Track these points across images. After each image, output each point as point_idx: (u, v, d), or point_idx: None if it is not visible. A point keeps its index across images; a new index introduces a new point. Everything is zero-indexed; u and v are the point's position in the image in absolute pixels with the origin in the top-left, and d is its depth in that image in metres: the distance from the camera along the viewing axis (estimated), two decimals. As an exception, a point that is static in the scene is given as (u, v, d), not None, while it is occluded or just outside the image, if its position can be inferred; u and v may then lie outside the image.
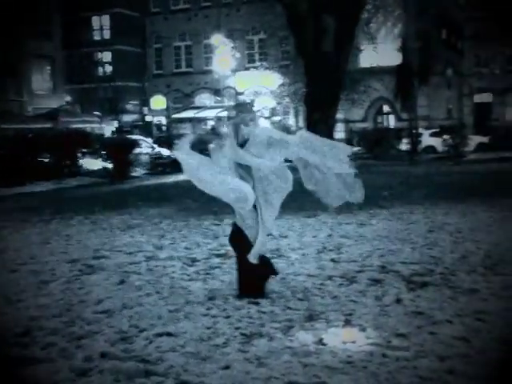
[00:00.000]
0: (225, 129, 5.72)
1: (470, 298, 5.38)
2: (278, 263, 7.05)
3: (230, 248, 6.12)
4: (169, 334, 4.73)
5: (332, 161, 5.58)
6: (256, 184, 5.53)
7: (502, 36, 38.88)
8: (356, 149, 32.58)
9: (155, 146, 29.06)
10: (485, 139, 34.85)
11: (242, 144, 5.53)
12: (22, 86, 39.49)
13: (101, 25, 48.57)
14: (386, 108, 44.35)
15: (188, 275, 6.67)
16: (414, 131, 31.99)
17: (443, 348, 4.21)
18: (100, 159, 24.71)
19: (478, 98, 41.95)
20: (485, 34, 39.07)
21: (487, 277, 6.09)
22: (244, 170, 5.55)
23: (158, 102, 47.22)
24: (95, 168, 24.33)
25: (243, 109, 5.82)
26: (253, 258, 5.46)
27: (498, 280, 5.93)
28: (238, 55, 41.85)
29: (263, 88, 41.13)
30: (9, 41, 36.03)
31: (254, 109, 41.81)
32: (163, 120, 47.33)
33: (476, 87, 41.20)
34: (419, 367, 3.90)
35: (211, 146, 5.76)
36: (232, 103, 39.51)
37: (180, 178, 22.61)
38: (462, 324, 4.70)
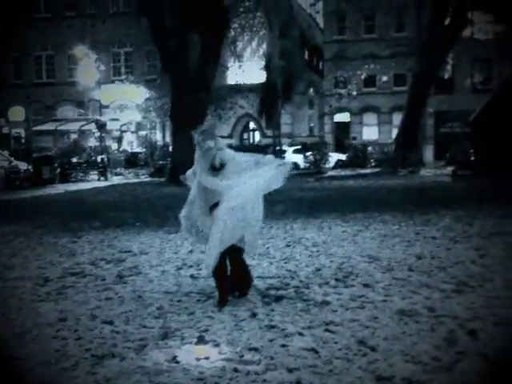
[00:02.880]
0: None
1: (321, 310, 5.57)
2: (136, 281, 6.94)
3: None
4: (14, 359, 4.46)
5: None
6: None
7: (357, 58, 41.29)
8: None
9: (12, 159, 27.56)
10: (343, 156, 36.67)
11: (219, 168, 5.68)
12: None
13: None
14: (252, 125, 45.37)
15: (39, 296, 6.36)
16: (277, 148, 32.96)
17: (292, 360, 4.33)
18: None
19: (338, 118, 44.10)
20: (342, 56, 41.29)
21: (338, 289, 6.35)
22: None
23: (17, 113, 44.93)
24: None
25: (208, 134, 5.75)
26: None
27: (347, 291, 6.21)
28: (102, 67, 40.91)
29: (129, 102, 40.53)
30: None
31: (125, 123, 41.12)
32: (22, 132, 45.06)
33: (336, 107, 43.28)
34: (268, 380, 3.97)
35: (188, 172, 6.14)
36: (97, 116, 38.53)
37: (38, 193, 21.64)
38: (312, 336, 4.86)
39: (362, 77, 42.30)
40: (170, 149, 30.09)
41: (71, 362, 4.39)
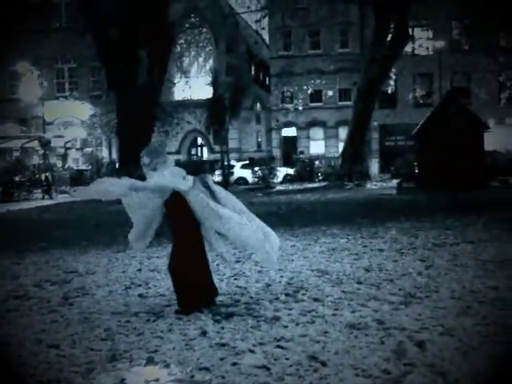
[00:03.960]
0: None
1: (271, 326, 5.55)
2: (83, 302, 6.78)
3: None
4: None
5: None
6: None
7: (303, 74, 41.85)
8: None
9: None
10: (291, 171, 36.96)
11: None
12: None
13: None
14: (199, 140, 45.29)
15: (-21, 321, 6.12)
16: (226, 163, 32.99)
17: (244, 378, 4.28)
18: None
19: (285, 132, 44.49)
20: (288, 71, 41.76)
21: (288, 304, 6.35)
22: None
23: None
24: None
25: (148, 152, 6.13)
26: None
27: (297, 306, 6.21)
28: (45, 84, 40.18)
29: (73, 118, 39.89)
30: None
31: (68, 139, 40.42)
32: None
33: (283, 122, 43.68)
34: (220, 400, 3.92)
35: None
36: (40, 134, 37.72)
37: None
38: (263, 352, 4.82)
39: (308, 92, 42.91)
40: (117, 166, 29.73)
41: (15, 390, 4.23)
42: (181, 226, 6.10)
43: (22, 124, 42.64)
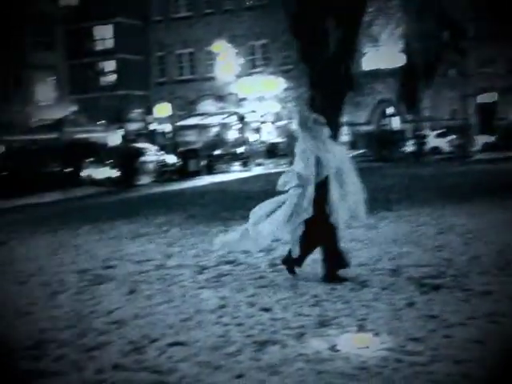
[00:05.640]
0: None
1: (482, 300, 5.32)
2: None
3: None
4: (181, 344, 4.70)
5: None
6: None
7: (504, 36, 38.79)
8: (361, 151, 32.63)
9: (161, 153, 29.02)
10: (491, 139, 34.72)
11: None
12: (26, 97, 39.76)
13: (103, 34, 48.47)
14: (389, 110, 44.26)
15: (198, 283, 6.64)
16: (419, 132, 31.95)
17: (458, 352, 4.16)
18: (106, 168, 24.75)
19: (482, 98, 41.76)
20: (487, 34, 38.99)
21: (499, 278, 6.02)
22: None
23: (162, 109, 47.25)
24: (100, 177, 24.39)
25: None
26: None
27: (510, 281, 5.87)
28: (241, 61, 41.88)
29: (267, 93, 41.14)
30: (12, 52, 36.35)
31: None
32: (168, 127, 47.29)
33: (480, 87, 41.03)
34: (434, 372, 3.85)
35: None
36: (236, 110, 39.51)
37: (186, 185, 22.67)
38: (476, 327, 4.65)
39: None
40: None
41: (234, 348, 4.53)
42: None
43: (219, 101, 45.01)
